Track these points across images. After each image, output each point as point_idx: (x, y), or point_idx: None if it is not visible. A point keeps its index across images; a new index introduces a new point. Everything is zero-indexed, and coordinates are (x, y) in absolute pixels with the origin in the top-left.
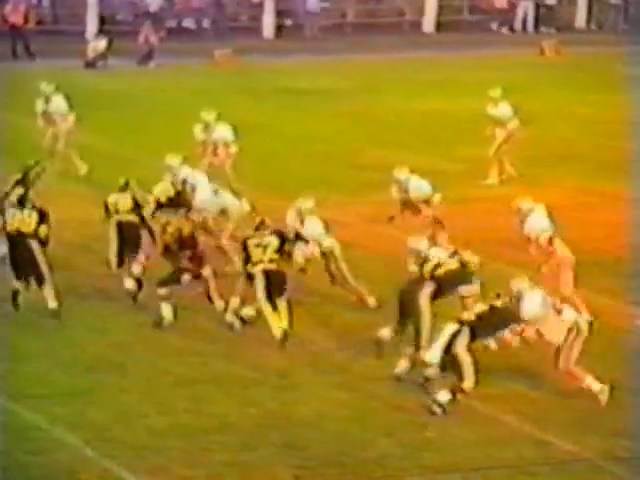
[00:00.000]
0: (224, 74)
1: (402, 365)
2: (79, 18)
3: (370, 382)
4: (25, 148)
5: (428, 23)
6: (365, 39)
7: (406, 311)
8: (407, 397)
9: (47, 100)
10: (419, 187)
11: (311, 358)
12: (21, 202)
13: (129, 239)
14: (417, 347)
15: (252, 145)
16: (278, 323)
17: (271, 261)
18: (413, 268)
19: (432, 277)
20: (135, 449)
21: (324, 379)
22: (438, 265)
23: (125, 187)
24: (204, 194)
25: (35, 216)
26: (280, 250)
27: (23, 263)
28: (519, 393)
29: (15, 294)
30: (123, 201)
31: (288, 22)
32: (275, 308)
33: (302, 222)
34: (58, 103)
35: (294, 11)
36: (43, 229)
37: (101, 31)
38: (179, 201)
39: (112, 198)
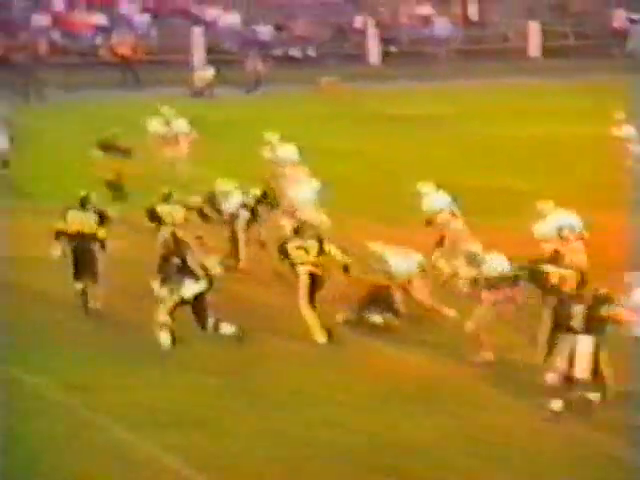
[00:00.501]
0: (330, 101)
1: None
2: (186, 48)
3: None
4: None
5: (533, 48)
6: (469, 65)
7: None
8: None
9: (167, 122)
10: None
11: (416, 382)
12: (82, 204)
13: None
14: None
15: (355, 172)
16: (319, 326)
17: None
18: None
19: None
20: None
21: (432, 405)
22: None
23: (169, 197)
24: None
25: (96, 218)
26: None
27: (83, 264)
28: None
29: (84, 298)
30: (176, 213)
31: (393, 49)
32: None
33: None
34: (179, 124)
35: (398, 38)
36: (102, 231)
37: (208, 60)
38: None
39: (163, 208)
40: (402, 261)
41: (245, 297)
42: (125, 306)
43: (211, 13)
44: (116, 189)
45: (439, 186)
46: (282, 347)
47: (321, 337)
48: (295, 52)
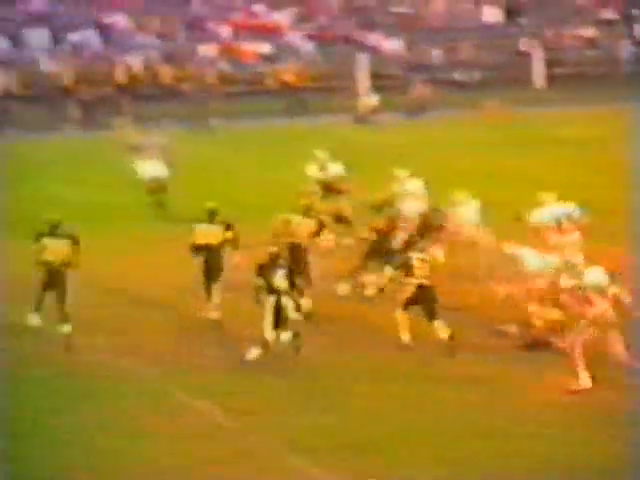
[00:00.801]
0: (494, 125)
1: None
2: (351, 74)
3: None
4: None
5: None
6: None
7: None
8: None
9: (322, 167)
10: None
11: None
12: (209, 217)
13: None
14: None
15: (516, 195)
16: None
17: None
18: None
19: None
20: None
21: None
22: None
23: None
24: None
25: (222, 229)
26: None
27: (212, 271)
28: None
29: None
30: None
31: (559, 71)
32: None
33: None
34: (335, 169)
35: (564, 60)
36: (231, 235)
37: (373, 86)
38: None
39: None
40: (538, 261)
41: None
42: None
43: (375, 39)
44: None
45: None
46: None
47: (406, 337)
48: (459, 76)
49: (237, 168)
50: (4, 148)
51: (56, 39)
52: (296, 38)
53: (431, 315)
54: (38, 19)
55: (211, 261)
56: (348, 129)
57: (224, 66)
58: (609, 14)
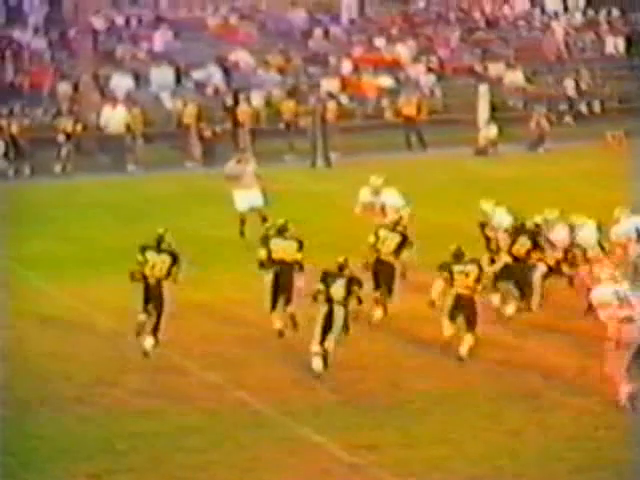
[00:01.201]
0: (614, 156)
1: None
2: (471, 106)
3: None
4: None
5: None
6: None
7: None
8: None
9: (375, 192)
10: None
11: None
12: (280, 232)
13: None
14: None
15: None
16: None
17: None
18: None
19: None
20: None
21: None
22: None
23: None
24: None
25: (295, 245)
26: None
27: (283, 289)
28: None
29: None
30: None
31: None
32: None
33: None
34: (391, 197)
35: None
36: (300, 256)
37: (493, 117)
38: None
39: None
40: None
41: None
42: None
43: (496, 70)
44: None
45: None
46: None
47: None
48: (580, 107)
49: (350, 202)
50: (127, 184)
51: (179, 77)
52: (417, 71)
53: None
54: (161, 57)
55: (282, 277)
56: (468, 161)
57: (345, 100)
58: None
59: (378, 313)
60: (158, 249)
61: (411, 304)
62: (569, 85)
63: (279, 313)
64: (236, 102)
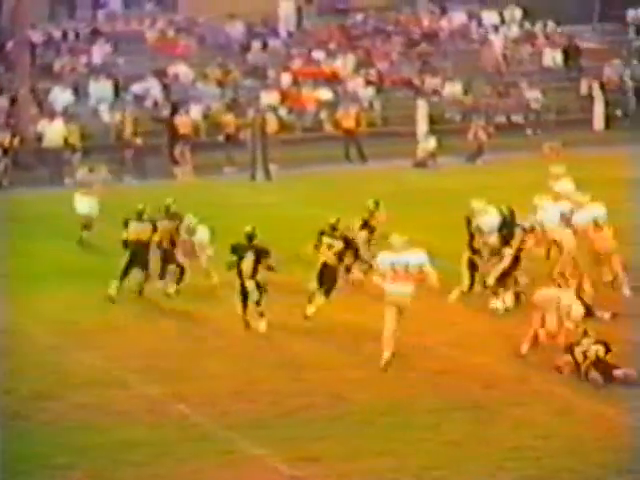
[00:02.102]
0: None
1: None
2: (409, 119)
3: None
4: None
5: None
6: None
7: None
8: None
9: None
10: None
11: None
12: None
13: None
14: None
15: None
16: None
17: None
18: None
19: None
20: None
21: None
22: None
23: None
24: None
25: (150, 227)
26: None
27: (137, 264)
28: None
29: None
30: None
31: (618, 112)
32: None
33: None
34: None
35: (624, 102)
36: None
37: (431, 130)
38: None
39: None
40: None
41: None
42: None
43: (434, 82)
44: None
45: None
46: None
47: None
48: (518, 118)
49: (290, 213)
50: (66, 197)
51: (117, 90)
52: (356, 84)
53: None
54: (100, 70)
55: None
56: (407, 174)
57: (284, 113)
58: None
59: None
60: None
61: (354, 315)
62: (532, 96)
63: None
64: (173, 114)
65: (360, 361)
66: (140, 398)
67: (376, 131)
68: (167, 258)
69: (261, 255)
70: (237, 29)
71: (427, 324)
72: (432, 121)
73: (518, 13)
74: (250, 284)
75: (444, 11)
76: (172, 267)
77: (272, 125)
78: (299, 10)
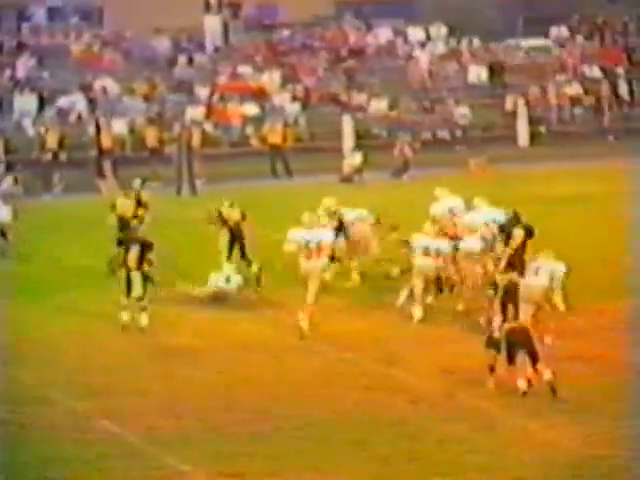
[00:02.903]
0: (477, 184)
1: None
2: (336, 134)
3: None
4: None
5: None
6: (623, 144)
7: None
8: None
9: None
10: None
11: None
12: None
13: None
14: None
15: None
16: None
17: None
18: None
19: None
20: None
21: None
22: None
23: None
24: None
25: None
26: None
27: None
28: None
29: None
30: None
31: (542, 129)
32: None
33: None
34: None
35: (548, 118)
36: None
37: (358, 146)
38: None
39: None
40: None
41: None
42: None
43: (359, 99)
44: None
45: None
46: None
47: None
48: (444, 134)
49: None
50: None
51: (43, 104)
52: (282, 100)
53: None
54: (24, 84)
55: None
56: (334, 189)
57: (210, 128)
58: (594, 72)
59: (143, 318)
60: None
61: (283, 332)
62: (460, 113)
63: None
64: (98, 129)
65: (285, 376)
66: (65, 414)
67: (302, 146)
68: None
69: (145, 248)
70: (163, 44)
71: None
72: (358, 137)
73: (444, 30)
74: (136, 276)
75: (370, 27)
76: None
77: (198, 140)
78: (225, 25)
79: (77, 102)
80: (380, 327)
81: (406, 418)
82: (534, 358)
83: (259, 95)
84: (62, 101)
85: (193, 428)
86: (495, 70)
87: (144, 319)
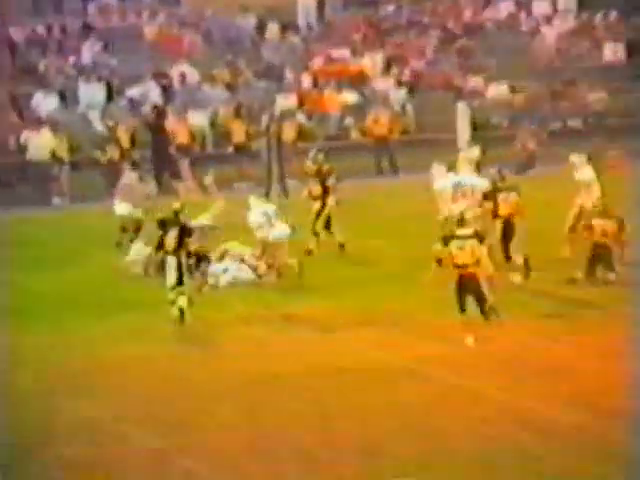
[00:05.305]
0: (614, 179)
1: None
2: (448, 125)
3: None
4: None
5: None
6: None
7: None
8: None
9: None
10: None
11: None
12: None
13: None
14: None
15: None
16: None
17: None
18: None
19: None
20: None
21: None
22: None
23: None
24: None
25: None
26: None
27: None
28: None
29: None
30: None
31: None
32: None
33: None
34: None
35: None
36: None
37: (475, 137)
38: None
39: None
40: None
41: None
42: None
43: (476, 83)
44: None
45: None
46: None
47: None
48: (576, 123)
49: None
50: (53, 219)
51: (111, 94)
52: (385, 85)
53: None
54: (90, 72)
55: None
56: None
57: (303, 119)
58: None
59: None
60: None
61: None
62: (593, 97)
63: None
64: (160, 118)
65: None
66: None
67: (410, 139)
68: None
69: (184, 232)
70: (249, 23)
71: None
72: (475, 127)
73: (573, 1)
74: (171, 261)
75: (488, 0)
76: None
77: (290, 133)
78: (321, 1)
79: (150, 92)
80: (506, 345)
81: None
82: None
83: (359, 80)
84: (133, 91)
85: (288, 469)
86: (635, 48)
87: (182, 301)
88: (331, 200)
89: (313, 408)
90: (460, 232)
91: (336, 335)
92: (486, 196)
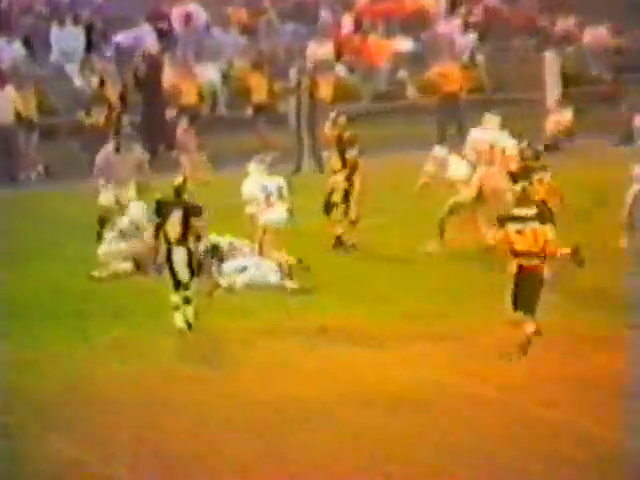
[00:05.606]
0: None
1: None
2: (532, 79)
3: None
4: None
5: None
6: None
7: None
8: None
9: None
10: None
11: None
12: None
13: None
14: None
15: None
16: None
17: None
18: None
19: None
20: None
21: None
22: None
23: None
24: None
25: None
26: None
27: None
28: None
29: None
30: None
31: None
32: None
33: None
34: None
35: None
36: None
37: (565, 96)
38: None
39: None
40: None
41: None
42: None
43: (567, 25)
44: None
45: None
46: None
47: None
48: None
49: None
50: (19, 199)
51: (91, 41)
52: (450, 27)
53: None
54: (66, 12)
55: None
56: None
57: (343, 73)
58: None
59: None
60: None
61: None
62: None
63: None
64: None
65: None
66: None
67: (482, 98)
68: None
69: (190, 212)
70: None
71: None
72: (567, 83)
73: None
74: (179, 253)
75: None
76: None
77: (326, 91)
78: None
79: (144, 37)
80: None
81: None
82: None
83: (416, 22)
84: (122, 37)
85: None
86: None
87: (190, 313)
88: (357, 180)
89: (354, 444)
90: (519, 212)
91: (384, 352)
92: (515, 178)
